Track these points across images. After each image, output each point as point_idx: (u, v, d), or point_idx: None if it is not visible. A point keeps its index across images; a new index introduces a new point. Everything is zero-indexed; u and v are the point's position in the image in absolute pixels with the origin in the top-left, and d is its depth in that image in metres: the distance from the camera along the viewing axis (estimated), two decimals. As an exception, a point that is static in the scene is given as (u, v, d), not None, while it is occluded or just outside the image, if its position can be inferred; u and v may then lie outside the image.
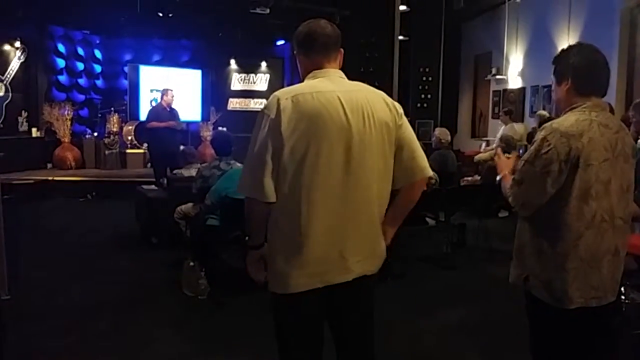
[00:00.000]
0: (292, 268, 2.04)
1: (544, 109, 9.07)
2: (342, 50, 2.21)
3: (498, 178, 2.38)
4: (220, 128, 11.96)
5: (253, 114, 13.58)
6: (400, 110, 2.18)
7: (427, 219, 5.73)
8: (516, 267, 2.29)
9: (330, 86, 2.07)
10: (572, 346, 2.23)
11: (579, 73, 2.17)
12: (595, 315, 2.17)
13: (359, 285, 2.15)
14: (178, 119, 8.72)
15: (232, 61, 14.04)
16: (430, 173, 2.22)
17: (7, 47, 11.17)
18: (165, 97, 8.65)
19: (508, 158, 2.43)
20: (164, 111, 8.57)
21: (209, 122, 12.82)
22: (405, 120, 2.19)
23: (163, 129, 8.40)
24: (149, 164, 11.55)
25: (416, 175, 2.17)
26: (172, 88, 8.90)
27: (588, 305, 2.14)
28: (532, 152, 2.12)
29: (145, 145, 11.10)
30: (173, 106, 8.79)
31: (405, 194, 2.21)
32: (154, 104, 12.22)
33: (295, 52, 2.23)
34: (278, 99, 2.00)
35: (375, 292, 2.30)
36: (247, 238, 2.09)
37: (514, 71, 10.82)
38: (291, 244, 2.04)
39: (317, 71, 2.14)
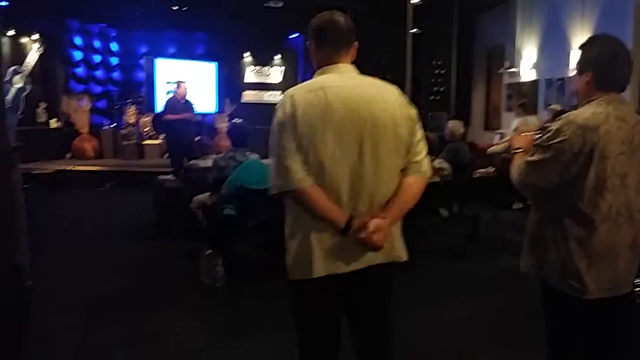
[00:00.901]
0: (311, 254, 2.07)
1: (557, 103, 9.06)
2: (356, 42, 2.20)
3: (512, 151, 2.38)
4: (236, 119, 12.07)
5: (267, 106, 13.67)
6: (414, 111, 2.19)
7: (441, 210, 5.79)
8: (528, 256, 2.30)
9: (341, 81, 2.09)
10: (587, 336, 2.26)
11: (601, 67, 2.15)
12: (610, 306, 2.18)
13: (373, 274, 2.17)
14: (193, 110, 8.85)
15: (247, 54, 14.11)
16: (430, 175, 2.24)
17: (25, 39, 11.35)
18: (178, 90, 8.82)
19: (525, 137, 2.41)
20: (178, 103, 8.74)
21: (224, 114, 12.93)
22: (418, 120, 2.21)
23: (179, 120, 8.54)
24: (166, 155, 11.72)
25: (417, 173, 2.17)
26: (185, 80, 9.04)
27: (602, 296, 2.15)
28: (545, 140, 2.13)
29: (163, 136, 11.25)
30: (189, 97, 8.94)
31: (406, 190, 2.15)
32: (169, 96, 12.39)
33: (308, 43, 2.24)
34: (292, 96, 2.04)
35: (392, 282, 2.31)
36: (342, 228, 2.04)
37: (527, 64, 10.78)
38: (309, 230, 2.08)
39: (327, 67, 2.15)
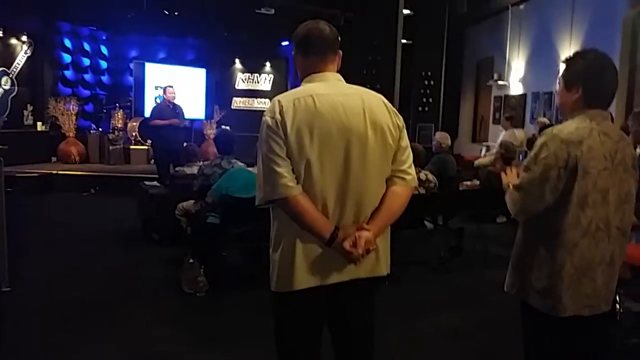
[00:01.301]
0: (293, 266, 2.06)
1: (544, 116, 9.13)
2: (340, 52, 2.20)
3: (505, 184, 2.34)
4: (224, 127, 12.04)
5: (257, 113, 13.69)
6: (401, 118, 2.18)
7: (426, 222, 5.79)
8: (511, 275, 2.30)
9: (329, 89, 2.09)
10: (565, 355, 2.25)
11: (590, 84, 2.15)
12: (589, 324, 2.19)
13: (357, 287, 2.16)
14: (182, 115, 8.77)
15: (237, 61, 14.11)
16: (416, 184, 2.23)
17: (13, 40, 11.27)
18: (165, 94, 8.74)
19: (512, 170, 2.42)
20: (167, 108, 8.64)
21: (213, 121, 12.90)
22: (405, 128, 2.20)
23: (166, 126, 8.46)
24: (152, 161, 11.66)
25: (403, 182, 2.16)
26: (172, 85, 8.97)
27: (581, 314, 2.15)
28: (532, 158, 2.13)
29: (149, 142, 11.19)
30: (178, 102, 8.87)
31: (392, 199, 2.14)
32: (158, 101, 12.35)
33: (293, 52, 2.23)
34: (280, 102, 2.03)
35: (375, 295, 2.31)
36: (329, 237, 2.03)
37: (516, 77, 10.87)
38: (293, 241, 2.07)
39: (314, 75, 2.15)
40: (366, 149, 2.06)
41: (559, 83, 2.27)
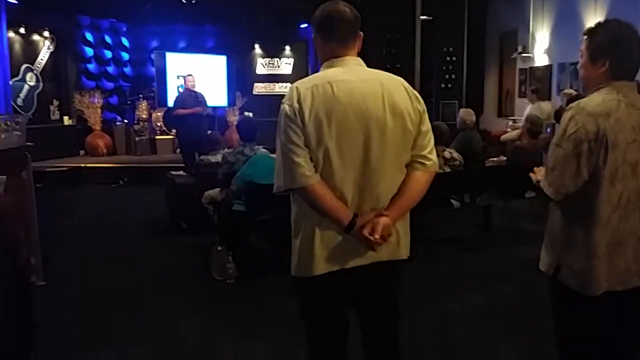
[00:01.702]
0: (313, 251, 2.08)
1: (571, 87, 8.93)
2: (361, 34, 2.16)
3: (535, 181, 2.23)
4: (246, 113, 12.07)
5: (278, 98, 13.47)
6: (421, 102, 2.15)
7: (452, 201, 5.74)
8: (547, 255, 2.26)
9: (348, 75, 2.06)
10: (598, 331, 2.22)
11: (619, 57, 2.08)
12: (621, 299, 2.15)
13: (379, 270, 2.17)
14: (205, 103, 8.84)
15: (257, 46, 14.08)
16: (436, 169, 2.20)
17: (36, 37, 11.41)
18: (186, 83, 8.85)
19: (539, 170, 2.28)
20: (189, 97, 8.73)
21: (235, 107, 12.94)
22: (426, 114, 2.17)
23: (190, 115, 8.53)
24: (177, 150, 11.78)
25: (424, 167, 2.14)
26: (192, 73, 9.04)
27: (613, 289, 2.11)
28: (560, 134, 2.06)
29: (174, 131, 11.29)
30: (200, 91, 8.93)
31: (411, 185, 2.13)
32: (181, 90, 12.43)
33: (313, 35, 2.20)
34: (298, 89, 2.02)
35: (399, 278, 2.31)
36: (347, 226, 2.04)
37: (541, 48, 10.63)
38: (312, 228, 2.09)
39: (334, 59, 2.12)
40: (385, 135, 2.04)
41: (581, 56, 2.19)
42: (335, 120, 1.99)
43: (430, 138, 2.17)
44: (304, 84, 2.05)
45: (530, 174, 2.28)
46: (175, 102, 8.91)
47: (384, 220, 2.04)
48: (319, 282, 2.12)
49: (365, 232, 2.01)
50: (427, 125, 2.16)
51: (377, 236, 2.01)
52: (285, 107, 2.02)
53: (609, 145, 2.01)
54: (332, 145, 1.99)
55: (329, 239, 2.08)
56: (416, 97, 2.14)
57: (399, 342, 2.35)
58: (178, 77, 12.44)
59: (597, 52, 2.12)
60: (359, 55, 2.19)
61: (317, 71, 2.20)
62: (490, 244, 5.81)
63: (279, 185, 2.07)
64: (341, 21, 2.10)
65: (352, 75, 2.07)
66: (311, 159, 2.00)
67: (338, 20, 2.10)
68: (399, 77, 2.17)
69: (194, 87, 8.77)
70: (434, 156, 2.17)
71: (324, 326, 2.25)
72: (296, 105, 1.99)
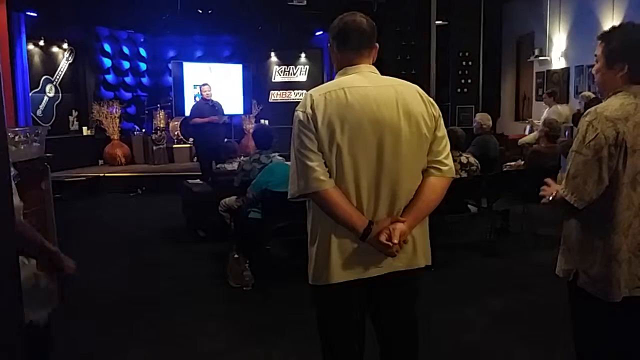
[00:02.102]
0: (329, 260, 2.08)
1: (589, 90, 8.85)
2: (377, 45, 2.19)
3: (550, 198, 2.17)
4: (262, 121, 12.13)
5: (294, 105, 13.46)
6: (437, 108, 2.16)
7: (469, 206, 5.70)
8: (564, 262, 2.24)
9: (363, 81, 2.08)
10: (617, 337, 2.20)
11: (637, 61, 2.07)
12: None
13: (396, 281, 2.15)
14: (221, 111, 8.91)
15: (272, 54, 14.17)
16: (453, 174, 2.18)
17: (55, 49, 11.56)
18: (202, 92, 8.97)
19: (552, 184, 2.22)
20: (205, 106, 8.83)
21: (251, 115, 13.01)
22: (441, 119, 2.18)
23: (206, 123, 8.61)
24: (195, 158, 11.86)
25: (440, 173, 2.13)
26: (207, 82, 9.17)
27: (633, 294, 2.09)
28: (579, 140, 2.05)
29: (191, 140, 11.38)
30: (216, 99, 9.03)
31: (428, 191, 2.11)
32: (198, 99, 12.54)
33: (329, 44, 2.23)
34: (311, 96, 2.05)
35: (418, 288, 2.29)
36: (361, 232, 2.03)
37: (558, 51, 10.55)
38: (329, 236, 2.08)
39: (348, 67, 2.14)
40: (400, 140, 2.04)
41: (596, 61, 2.18)
42: (348, 125, 1.99)
43: (446, 144, 2.16)
44: (317, 91, 2.07)
45: (542, 192, 2.22)
46: (192, 111, 8.99)
47: (400, 226, 2.03)
48: (336, 291, 2.11)
49: (383, 238, 2.00)
50: (442, 131, 2.16)
51: (395, 241, 1.99)
52: (299, 113, 2.04)
53: (628, 149, 2.00)
54: (345, 151, 2.00)
55: (345, 247, 2.07)
56: (431, 102, 2.14)
57: (418, 353, 2.33)
58: (195, 86, 12.56)
59: (614, 56, 2.11)
60: (379, 61, 2.21)
61: (332, 78, 2.21)
62: (508, 249, 5.76)
63: (293, 191, 2.08)
64: (357, 31, 2.13)
65: (366, 82, 2.08)
66: (325, 165, 2.01)
67: (354, 30, 2.13)
68: (414, 84, 2.18)
69: (210, 96, 8.85)
70: (450, 162, 2.16)
71: (340, 334, 2.23)
72: (309, 111, 2.01)
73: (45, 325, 2.04)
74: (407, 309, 2.28)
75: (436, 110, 2.14)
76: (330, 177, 2.01)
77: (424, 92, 2.17)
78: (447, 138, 2.18)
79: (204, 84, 9.04)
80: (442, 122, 2.18)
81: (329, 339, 2.26)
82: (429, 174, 2.13)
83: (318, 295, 2.21)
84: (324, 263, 2.09)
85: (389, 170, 2.04)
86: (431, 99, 2.16)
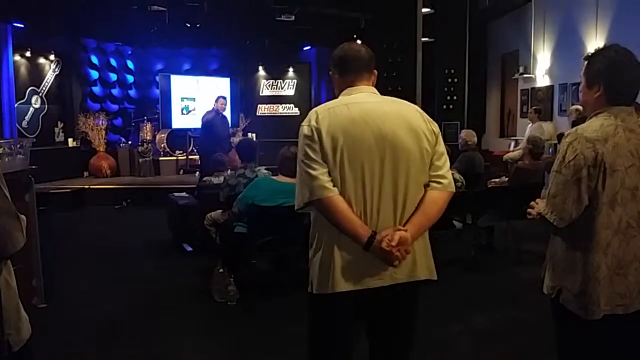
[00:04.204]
0: (332, 269, 2.11)
1: (573, 105, 8.96)
2: (376, 72, 2.31)
3: (535, 214, 2.20)
4: (250, 135, 12.15)
5: (282, 118, 13.80)
6: (436, 125, 2.24)
7: (454, 222, 5.74)
8: (549, 279, 2.27)
9: (366, 98, 2.19)
10: (599, 354, 2.21)
11: (611, 82, 2.12)
12: (623, 323, 2.15)
13: (397, 294, 2.18)
14: (228, 125, 9.32)
15: (260, 68, 14.21)
16: (453, 189, 2.23)
17: (42, 60, 11.50)
18: (217, 104, 9.22)
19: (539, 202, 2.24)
20: (217, 117, 9.09)
21: (239, 129, 13.02)
22: (440, 136, 2.24)
23: (218, 135, 8.79)
24: (181, 171, 11.86)
25: (441, 186, 2.18)
26: (225, 95, 9.75)
27: (614, 312, 2.12)
28: (560, 160, 2.10)
29: (195, 149, 11.71)
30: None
31: (430, 203, 2.16)
32: (185, 112, 12.59)
33: (330, 72, 2.35)
34: (316, 112, 2.15)
35: (417, 302, 2.32)
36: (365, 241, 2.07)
37: (542, 69, 10.70)
38: (332, 245, 2.12)
39: (350, 88, 2.25)
40: (403, 154, 2.11)
41: (581, 81, 2.24)
42: (352, 138, 2.07)
43: (446, 159, 2.24)
44: (322, 107, 2.17)
45: (529, 210, 2.26)
46: (205, 124, 9.12)
47: (401, 233, 2.06)
48: (336, 301, 2.14)
49: (385, 244, 2.03)
50: (442, 147, 2.24)
51: (393, 244, 2.02)
52: (304, 127, 2.13)
53: (607, 170, 2.04)
54: (349, 162, 2.07)
55: (348, 257, 2.11)
56: (430, 120, 2.23)
57: None
58: (182, 99, 12.59)
59: (593, 77, 2.16)
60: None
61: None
62: (493, 265, 5.79)
63: (299, 201, 2.14)
64: (356, 58, 2.27)
65: (369, 99, 2.19)
66: (329, 175, 2.07)
67: (353, 57, 2.27)
68: (411, 103, 2.29)
69: (224, 110, 9.18)
70: (450, 176, 2.23)
71: (333, 344, 2.26)
72: (314, 124, 2.10)
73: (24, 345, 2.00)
74: (406, 322, 2.31)
75: (436, 127, 2.23)
76: (334, 185, 2.07)
77: (422, 111, 2.26)
78: (446, 154, 2.25)
79: (221, 97, 9.37)
80: (441, 138, 2.24)
81: (320, 348, 2.29)
82: (431, 187, 2.18)
83: (318, 304, 2.23)
84: (328, 272, 2.12)
85: (392, 183, 2.10)
86: (429, 118, 2.24)
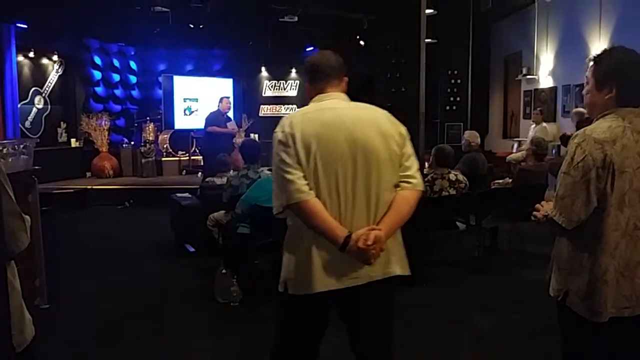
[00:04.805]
0: (311, 270, 2.17)
1: (576, 107, 8.94)
2: (346, 78, 2.39)
3: (541, 217, 2.20)
4: (252, 135, 12.16)
5: (284, 119, 13.72)
6: (403, 128, 2.33)
7: (458, 223, 5.72)
8: (555, 281, 2.25)
9: (337, 104, 2.29)
10: (604, 357, 2.21)
11: (624, 84, 2.11)
12: (628, 325, 2.14)
13: (373, 290, 2.24)
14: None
15: (263, 69, 14.22)
16: (422, 188, 2.33)
17: (45, 60, 11.54)
18: (221, 104, 9.19)
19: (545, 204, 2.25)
20: (221, 117, 9.08)
21: (241, 129, 13.02)
22: (408, 137, 2.33)
23: (221, 135, 8.75)
24: (184, 172, 11.86)
25: (410, 186, 2.27)
26: (229, 96, 9.74)
27: (620, 315, 2.11)
28: (568, 162, 2.09)
29: (199, 150, 11.70)
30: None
31: (401, 203, 2.24)
32: (187, 113, 12.59)
33: (304, 80, 2.44)
34: (289, 118, 2.23)
35: (396, 299, 2.38)
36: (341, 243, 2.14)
37: (545, 71, 10.68)
38: (310, 247, 2.18)
39: (321, 95, 2.33)
40: (374, 157, 2.19)
41: (587, 83, 2.22)
42: (325, 142, 2.14)
43: (414, 160, 2.33)
44: (295, 113, 2.28)
45: (534, 213, 2.26)
46: (208, 120, 9.14)
47: (376, 232, 2.13)
48: (314, 300, 2.19)
49: (361, 243, 2.09)
50: (410, 148, 2.33)
51: (369, 243, 2.09)
52: (278, 134, 2.20)
53: (616, 171, 2.03)
54: (323, 165, 2.13)
55: (325, 258, 2.17)
56: (397, 123, 2.33)
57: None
58: (185, 99, 12.60)
59: (604, 79, 2.14)
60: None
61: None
62: (497, 266, 5.78)
63: (276, 205, 2.21)
64: (326, 66, 2.35)
65: (340, 105, 2.29)
66: (305, 178, 2.12)
67: (323, 65, 2.35)
68: (380, 108, 2.36)
69: (229, 110, 9.17)
70: (419, 176, 2.32)
71: (303, 342, 2.35)
72: (288, 129, 2.16)
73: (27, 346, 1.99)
74: (383, 318, 2.38)
75: (403, 130, 2.32)
76: (310, 189, 2.12)
77: (390, 115, 2.34)
78: (414, 156, 2.34)
79: (225, 97, 9.35)
80: (409, 140, 2.33)
81: (289, 344, 2.37)
82: (401, 187, 2.27)
83: (290, 303, 2.28)
84: (306, 273, 2.18)
85: (365, 185, 2.18)
86: (397, 121, 2.34)
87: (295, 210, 2.15)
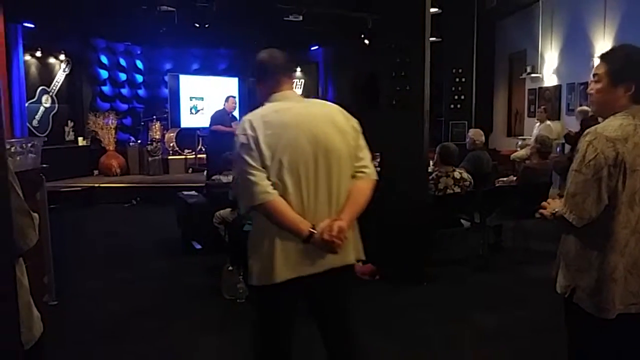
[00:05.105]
0: (274, 261, 2.26)
1: (580, 106, 8.95)
2: (295, 74, 2.41)
3: (549, 214, 2.21)
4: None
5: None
6: (357, 123, 2.44)
7: (462, 221, 5.75)
8: (563, 278, 2.25)
9: (291, 103, 2.38)
10: (612, 353, 2.21)
11: None
12: (636, 321, 2.15)
13: (333, 276, 2.36)
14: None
15: (268, 67, 14.23)
16: (376, 177, 2.44)
17: (52, 59, 11.63)
18: (227, 104, 9.20)
19: (553, 201, 2.27)
20: (227, 116, 9.07)
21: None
22: (360, 130, 2.45)
23: (226, 133, 8.78)
24: (190, 170, 11.91)
25: (365, 176, 2.39)
26: (235, 95, 9.79)
27: (627, 311, 2.12)
28: (579, 159, 2.08)
29: (204, 148, 11.68)
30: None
31: (358, 192, 2.37)
32: (194, 111, 12.64)
33: (252, 79, 2.53)
34: (250, 120, 2.28)
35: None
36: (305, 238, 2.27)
37: (550, 69, 10.68)
38: (274, 240, 2.26)
39: (274, 94, 2.40)
40: (334, 154, 2.30)
41: (597, 81, 2.17)
42: (286, 141, 2.23)
43: (367, 151, 2.45)
44: (254, 115, 2.32)
45: (541, 210, 2.27)
46: (214, 119, 9.13)
47: (339, 223, 2.26)
48: (279, 289, 2.29)
49: (326, 236, 2.22)
50: (363, 141, 2.45)
51: (334, 234, 2.21)
52: (240, 137, 2.27)
53: (627, 170, 2.03)
54: (286, 163, 2.22)
55: (288, 250, 2.28)
56: (350, 117, 2.45)
57: (355, 346, 2.54)
58: (191, 98, 12.66)
59: (620, 75, 2.11)
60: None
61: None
62: (501, 264, 5.79)
63: (242, 207, 2.33)
64: (273, 63, 2.44)
65: (295, 104, 2.41)
66: (269, 179, 2.21)
67: (269, 62, 2.44)
68: (333, 104, 2.49)
69: (234, 109, 9.22)
70: (372, 166, 2.45)
71: (279, 327, 2.46)
72: (250, 132, 2.23)
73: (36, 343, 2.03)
74: (344, 299, 2.52)
75: (356, 124, 2.44)
76: (274, 189, 2.20)
77: (345, 111, 2.45)
78: (367, 147, 2.46)
79: (231, 96, 9.39)
80: (361, 134, 2.45)
81: (269, 330, 2.47)
82: (356, 178, 2.39)
83: (262, 294, 2.39)
84: (270, 265, 2.27)
85: (326, 181, 2.30)
86: (350, 115, 2.45)
87: (261, 210, 2.23)
